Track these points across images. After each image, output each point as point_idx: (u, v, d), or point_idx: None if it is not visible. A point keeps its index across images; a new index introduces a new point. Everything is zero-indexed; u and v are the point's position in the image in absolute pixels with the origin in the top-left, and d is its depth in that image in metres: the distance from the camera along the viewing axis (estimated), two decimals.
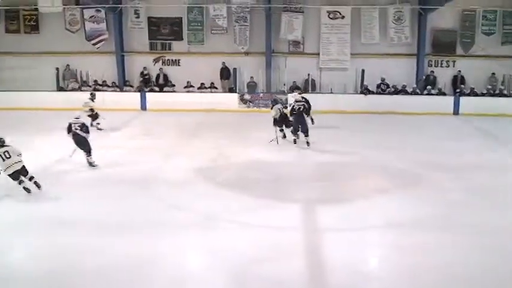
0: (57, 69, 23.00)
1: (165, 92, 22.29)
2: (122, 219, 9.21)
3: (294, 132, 15.01)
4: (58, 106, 20.98)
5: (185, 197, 10.59)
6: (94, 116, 16.97)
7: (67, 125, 12.81)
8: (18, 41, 23.28)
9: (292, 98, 15.72)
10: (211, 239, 8.36)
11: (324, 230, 8.88)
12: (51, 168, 12.68)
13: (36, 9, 22.45)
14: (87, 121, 14.86)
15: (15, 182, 10.59)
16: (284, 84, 21.52)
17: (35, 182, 10.63)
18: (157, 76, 22.85)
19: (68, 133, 12.77)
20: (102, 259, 7.59)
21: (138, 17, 22.73)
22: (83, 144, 12.69)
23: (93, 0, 21.75)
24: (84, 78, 22.96)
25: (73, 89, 22.38)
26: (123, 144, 15.42)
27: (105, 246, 8.03)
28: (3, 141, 10.67)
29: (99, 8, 22.34)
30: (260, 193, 10.73)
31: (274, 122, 15.29)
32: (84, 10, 22.64)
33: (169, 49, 23.06)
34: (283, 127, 15.56)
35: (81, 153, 12.83)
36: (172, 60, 23.12)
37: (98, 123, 17.07)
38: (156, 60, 23.08)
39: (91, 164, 12.67)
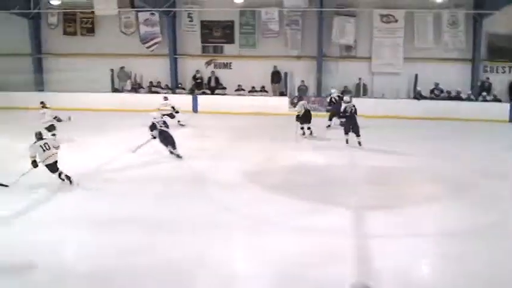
0: (112, 70, 23.88)
1: (216, 94, 22.88)
2: (174, 219, 9.62)
3: (346, 133, 15.77)
4: (113, 107, 21.90)
5: (235, 198, 10.96)
6: (171, 115, 18.19)
7: (150, 124, 14.46)
8: (74, 43, 24.35)
9: (343, 103, 16.16)
10: (259, 241, 8.60)
11: (374, 236, 8.98)
12: (106, 166, 13.39)
13: (93, 12, 23.35)
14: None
15: (53, 174, 11.63)
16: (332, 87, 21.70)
17: (66, 176, 11.69)
18: (209, 79, 23.46)
19: (152, 131, 14.23)
20: (153, 258, 7.92)
21: (191, 21, 23.38)
22: (168, 139, 14.10)
23: (147, 3, 22.46)
24: (138, 80, 23.73)
25: (128, 91, 23.16)
26: (180, 146, 15.92)
27: (156, 246, 8.41)
28: (42, 134, 11.95)
29: (154, 12, 23.06)
30: (309, 197, 10.93)
31: (297, 118, 16.60)
32: (139, 13, 23.45)
33: (221, 52, 23.63)
34: (304, 125, 16.68)
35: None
36: (224, 63, 23.69)
37: (179, 121, 18.75)
38: (208, 63, 23.68)
39: (178, 156, 14.09)
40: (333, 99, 19.10)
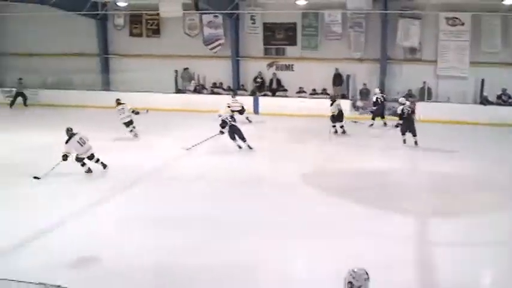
0: (176, 72, 24.64)
1: (277, 96, 23.26)
2: (231, 219, 10.09)
3: (403, 134, 16.52)
4: (176, 107, 22.62)
5: (291, 200, 11.35)
6: (240, 111, 20.01)
7: (220, 122, 15.73)
8: (140, 44, 25.30)
9: (399, 105, 16.95)
10: (319, 245, 8.88)
11: (435, 243, 9.13)
12: (168, 165, 14.31)
13: (158, 14, 24.14)
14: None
15: (91, 160, 13.20)
16: (398, 93, 21.70)
17: (102, 163, 13.42)
18: (271, 81, 23.88)
19: (223, 127, 15.62)
20: (216, 259, 8.36)
21: (254, 23, 23.85)
22: (237, 132, 15.62)
23: (211, 6, 23.05)
24: (201, 81, 24.41)
25: (191, 92, 23.85)
26: (235, 145, 16.47)
27: (212, 245, 8.87)
28: (73, 130, 13.20)
29: (217, 14, 23.65)
30: (367, 200, 11.18)
31: (331, 117, 18.09)
32: (203, 15, 24.10)
33: (283, 54, 24.00)
34: (336, 123, 18.14)
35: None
36: (285, 65, 24.03)
37: (247, 117, 20.39)
38: (269, 65, 24.08)
39: (249, 147, 15.70)
40: (378, 100, 19.75)
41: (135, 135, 17.73)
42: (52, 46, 25.81)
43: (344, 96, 22.58)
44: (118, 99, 18.11)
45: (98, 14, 24.80)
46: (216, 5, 22.80)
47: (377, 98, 19.84)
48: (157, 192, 12.03)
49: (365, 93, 22.33)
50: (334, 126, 18.20)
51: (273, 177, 13.11)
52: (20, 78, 25.57)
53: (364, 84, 22.45)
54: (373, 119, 19.76)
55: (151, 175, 13.45)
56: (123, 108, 17.67)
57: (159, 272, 8.07)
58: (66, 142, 12.99)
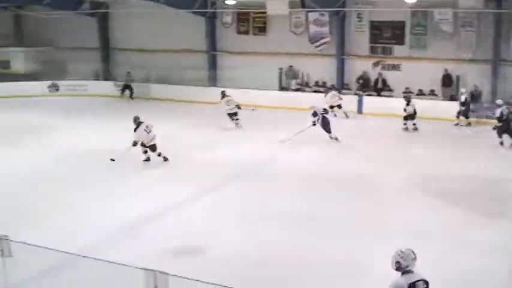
0: (281, 69, 25.18)
1: (382, 96, 23.20)
2: (341, 220, 10.41)
3: (499, 136, 16.90)
4: (279, 104, 23.16)
5: (397, 205, 11.48)
6: (339, 106, 21.57)
7: (312, 112, 17.18)
8: (246, 42, 26.10)
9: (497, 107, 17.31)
10: (421, 251, 8.92)
11: None
12: (267, 162, 15.00)
13: (265, 12, 24.76)
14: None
15: (154, 152, 14.34)
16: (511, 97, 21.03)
17: (164, 157, 14.55)
18: (376, 80, 23.82)
19: (315, 117, 17.09)
20: (316, 257, 8.71)
21: (360, 21, 23.91)
22: (327, 125, 16.92)
23: (317, 3, 23.33)
24: (305, 79, 24.78)
25: (293, 90, 24.30)
26: (337, 145, 17.03)
27: (315, 243, 9.25)
28: (139, 118, 14.36)
29: (324, 12, 23.90)
30: (474, 207, 11.11)
31: (406, 116, 19.37)
32: (309, 13, 24.46)
33: (390, 54, 23.87)
34: (408, 121, 19.46)
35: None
36: (392, 65, 23.86)
37: (345, 112, 21.59)
38: (375, 64, 24.03)
39: (336, 139, 16.93)
40: (466, 99, 20.06)
41: (239, 126, 19.53)
42: (162, 43, 27.27)
43: (453, 98, 22.10)
44: (223, 91, 20.10)
45: (207, 12, 25.80)
46: (323, 2, 23.10)
47: (465, 98, 20.06)
48: (255, 187, 12.71)
49: (475, 96, 21.74)
50: (405, 124, 19.39)
51: (376, 179, 13.33)
52: (128, 72, 27.56)
53: (475, 86, 21.86)
54: (457, 117, 20.28)
55: (251, 170, 14.23)
56: (230, 100, 19.43)
57: (256, 266, 8.52)
58: (135, 130, 14.30)
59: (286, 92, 24.71)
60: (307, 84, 24.78)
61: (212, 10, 25.96)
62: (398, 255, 5.51)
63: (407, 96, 20.34)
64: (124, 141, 14.71)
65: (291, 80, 25.06)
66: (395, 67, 23.88)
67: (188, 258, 8.78)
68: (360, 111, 22.69)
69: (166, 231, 10.03)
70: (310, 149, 16.40)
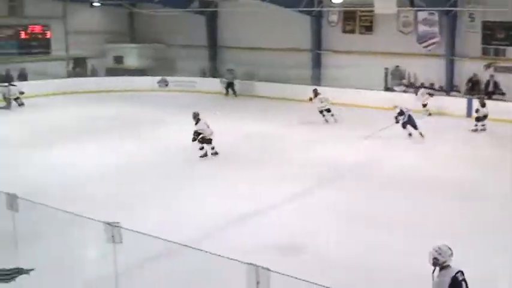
0: (386, 69, 25.01)
1: (493, 100, 22.40)
2: (447, 228, 10.16)
3: None
4: (383, 105, 22.98)
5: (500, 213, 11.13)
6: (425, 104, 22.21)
7: (398, 111, 17.84)
8: (352, 41, 26.15)
9: None
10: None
11: None
12: (365, 164, 15.18)
13: (372, 11, 24.64)
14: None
15: (209, 145, 15.28)
16: None
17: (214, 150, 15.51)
18: (487, 83, 23.07)
19: (401, 115, 17.82)
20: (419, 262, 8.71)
21: (472, 21, 23.26)
22: (412, 122, 17.73)
23: (426, 2, 22.93)
24: (412, 80, 24.47)
25: (399, 91, 24.05)
26: (437, 148, 16.99)
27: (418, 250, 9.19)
28: (199, 114, 15.24)
29: (433, 11, 23.45)
30: None
31: (479, 118, 19.53)
32: (418, 12, 24.08)
33: (503, 55, 23.03)
34: (479, 122, 19.49)
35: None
36: (505, 67, 22.99)
37: (428, 110, 22.11)
38: (487, 66, 23.26)
39: (421, 134, 17.74)
40: None
41: (335, 120, 20.72)
42: (268, 41, 27.92)
43: None
44: (315, 89, 21.29)
45: (313, 11, 26.06)
46: (432, 1, 22.73)
47: None
48: (355, 189, 12.90)
49: None
50: (476, 125, 19.52)
51: (475, 183, 13.18)
52: (231, 69, 28.59)
53: None
54: None
55: (350, 170, 14.52)
56: (323, 97, 20.83)
57: (354, 268, 8.72)
58: (196, 124, 15.24)
59: (391, 92, 24.40)
60: (412, 85, 24.40)
61: (318, 9, 26.20)
62: (436, 251, 5.83)
63: (482, 97, 20.57)
64: (228, 136, 15.26)
65: (397, 80, 24.78)
66: (509, 69, 22.99)
67: (287, 257, 9.07)
68: (469, 114, 22.03)
69: (266, 228, 10.44)
70: (410, 152, 16.46)
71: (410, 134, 18.04)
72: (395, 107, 18.32)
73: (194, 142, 15.32)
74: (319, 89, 21.88)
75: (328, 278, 6.39)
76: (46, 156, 15.94)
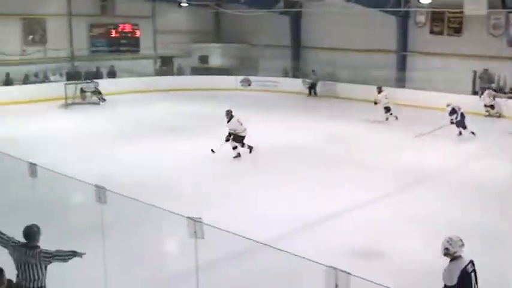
0: (475, 72, 24.39)
1: None
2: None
3: None
4: (471, 110, 22.42)
5: None
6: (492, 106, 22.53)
7: (450, 109, 17.97)
8: (439, 42, 25.67)
9: None
10: None
11: None
12: (446, 169, 14.97)
13: (461, 12, 24.10)
14: None
15: (240, 143, 15.31)
16: None
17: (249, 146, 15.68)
18: None
19: (453, 114, 17.94)
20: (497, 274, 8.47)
21: None
22: (462, 125, 17.94)
23: None
24: (501, 84, 23.76)
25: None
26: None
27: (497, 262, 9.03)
28: (232, 111, 15.44)
29: None
30: None
31: None
32: (510, 14, 23.29)
33: None
34: None
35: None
36: None
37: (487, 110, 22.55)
38: None
39: (472, 133, 18.08)
40: None
41: (395, 119, 21.26)
42: (351, 42, 27.96)
43: None
44: (379, 87, 21.83)
45: (399, 11, 25.79)
46: None
47: None
48: (438, 194, 12.73)
49: None
50: None
51: None
52: (313, 70, 28.87)
53: None
54: None
55: (432, 175, 14.34)
56: (387, 94, 21.44)
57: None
58: (228, 121, 15.40)
59: (477, 97, 23.58)
60: (501, 90, 23.61)
61: (406, 9, 25.88)
62: (447, 241, 5.90)
63: None
64: (308, 137, 15.33)
65: (485, 84, 24.04)
66: None
67: (366, 261, 9.14)
68: None
69: (346, 231, 10.49)
70: (488, 160, 16.00)
71: (460, 133, 18.27)
72: (448, 105, 18.31)
73: (227, 142, 15.49)
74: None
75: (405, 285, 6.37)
76: (133, 150, 16.75)
